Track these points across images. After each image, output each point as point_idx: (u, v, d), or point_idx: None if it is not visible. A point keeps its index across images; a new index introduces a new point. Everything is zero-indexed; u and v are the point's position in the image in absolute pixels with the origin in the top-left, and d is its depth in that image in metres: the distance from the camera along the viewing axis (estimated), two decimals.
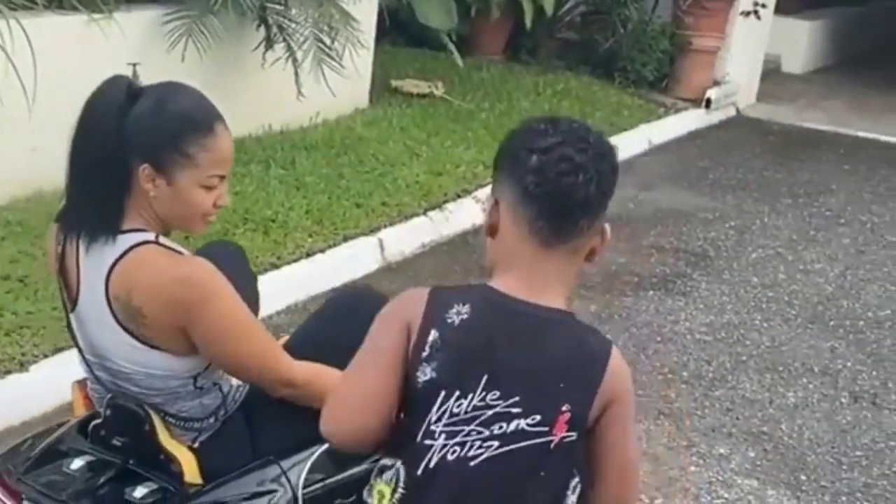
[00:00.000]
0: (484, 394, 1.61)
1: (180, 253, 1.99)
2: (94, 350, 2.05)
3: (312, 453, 2.12)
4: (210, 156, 1.99)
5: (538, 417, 1.60)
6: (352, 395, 1.69)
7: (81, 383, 2.19)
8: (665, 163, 7.16)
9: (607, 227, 1.69)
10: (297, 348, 2.18)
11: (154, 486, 2.01)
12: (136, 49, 4.62)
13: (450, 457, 1.61)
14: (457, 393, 1.61)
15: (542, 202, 1.63)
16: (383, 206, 5.02)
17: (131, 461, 2.05)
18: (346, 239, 4.67)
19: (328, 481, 2.14)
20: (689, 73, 8.34)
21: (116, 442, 2.06)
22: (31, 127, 4.19)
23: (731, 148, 7.69)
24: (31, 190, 4.38)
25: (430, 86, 6.92)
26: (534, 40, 8.46)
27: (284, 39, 5.27)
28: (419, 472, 1.63)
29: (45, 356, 3.36)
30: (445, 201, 5.32)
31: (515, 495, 1.63)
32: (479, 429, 1.61)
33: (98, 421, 2.09)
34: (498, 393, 1.61)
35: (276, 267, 4.27)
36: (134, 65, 2.27)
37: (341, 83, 5.47)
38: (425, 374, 1.62)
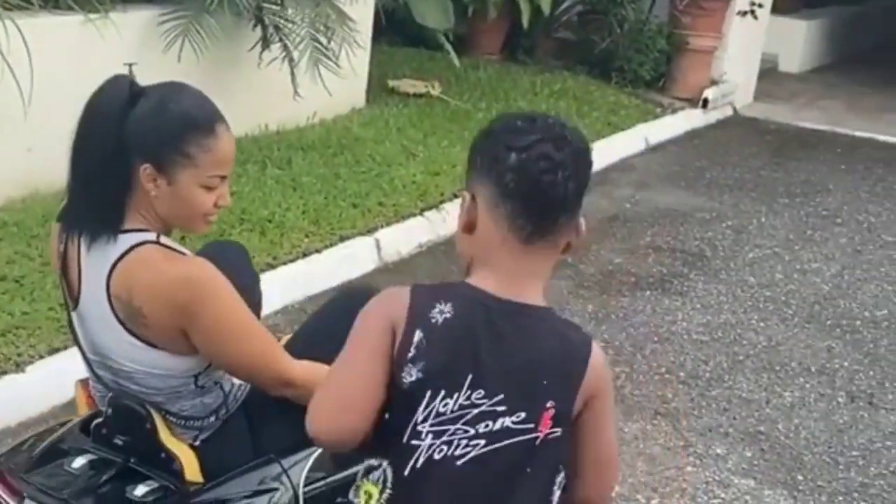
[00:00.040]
0: (469, 393, 1.61)
1: (181, 253, 2.00)
2: (96, 349, 2.06)
3: (313, 452, 2.12)
4: (211, 156, 1.99)
5: (523, 415, 1.61)
6: (336, 395, 1.68)
7: (84, 382, 2.20)
8: (662, 162, 7.17)
9: (582, 221, 1.70)
10: (297, 348, 2.18)
11: (155, 484, 2.02)
12: (132, 49, 4.61)
13: (437, 456, 1.61)
14: (442, 392, 1.61)
15: (522, 200, 1.63)
16: (380, 206, 5.02)
17: (132, 460, 2.06)
18: (342, 239, 4.67)
19: (329, 480, 2.14)
20: (686, 73, 8.34)
21: (118, 440, 2.07)
22: (26, 127, 4.19)
23: (728, 147, 7.70)
24: (27, 190, 4.37)
25: (426, 86, 6.92)
26: (531, 40, 8.46)
27: (281, 39, 5.26)
28: (406, 472, 1.62)
29: (41, 357, 3.35)
30: (442, 201, 5.31)
31: (503, 493, 1.63)
32: (465, 428, 1.61)
33: (99, 420, 2.10)
34: (483, 392, 1.61)
35: (272, 267, 4.26)
36: (130, 65, 2.26)
37: (338, 83, 5.47)
38: (411, 374, 1.62)
